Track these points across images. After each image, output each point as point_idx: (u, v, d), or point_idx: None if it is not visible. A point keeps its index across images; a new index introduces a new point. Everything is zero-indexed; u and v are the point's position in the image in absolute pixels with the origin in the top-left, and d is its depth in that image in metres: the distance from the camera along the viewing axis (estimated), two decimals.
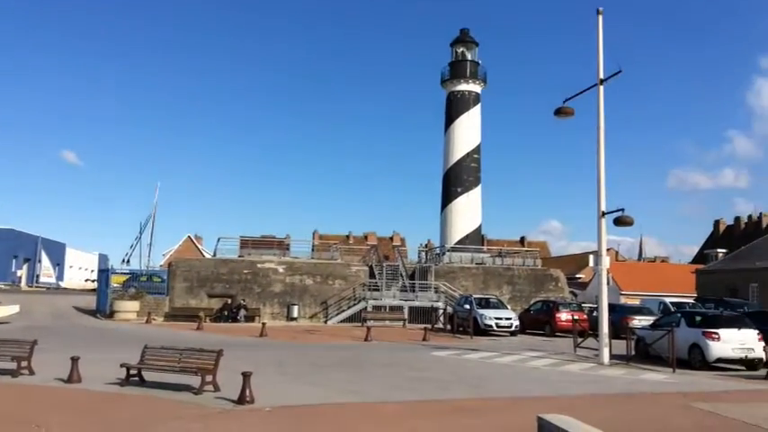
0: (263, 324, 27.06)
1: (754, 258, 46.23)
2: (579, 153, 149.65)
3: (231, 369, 12.38)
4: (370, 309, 34.93)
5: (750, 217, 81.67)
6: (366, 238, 79.23)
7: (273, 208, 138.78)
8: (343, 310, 36.01)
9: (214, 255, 40.39)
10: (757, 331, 18.14)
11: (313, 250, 44.04)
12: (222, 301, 35.56)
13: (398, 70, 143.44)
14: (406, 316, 34.92)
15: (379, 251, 44.35)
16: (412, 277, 38.98)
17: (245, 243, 39.63)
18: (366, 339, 24.55)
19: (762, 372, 16.71)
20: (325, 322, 35.53)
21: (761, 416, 10.61)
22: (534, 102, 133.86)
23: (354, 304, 36.03)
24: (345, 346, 22.76)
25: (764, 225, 74.29)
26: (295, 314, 35.65)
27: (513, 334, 29.08)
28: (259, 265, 36.97)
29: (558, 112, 20.12)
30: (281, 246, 40.74)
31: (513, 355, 20.41)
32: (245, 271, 36.62)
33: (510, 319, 29.69)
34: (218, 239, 39.98)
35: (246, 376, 11.09)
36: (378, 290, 36.43)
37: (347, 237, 79.01)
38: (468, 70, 45.21)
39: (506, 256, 43.36)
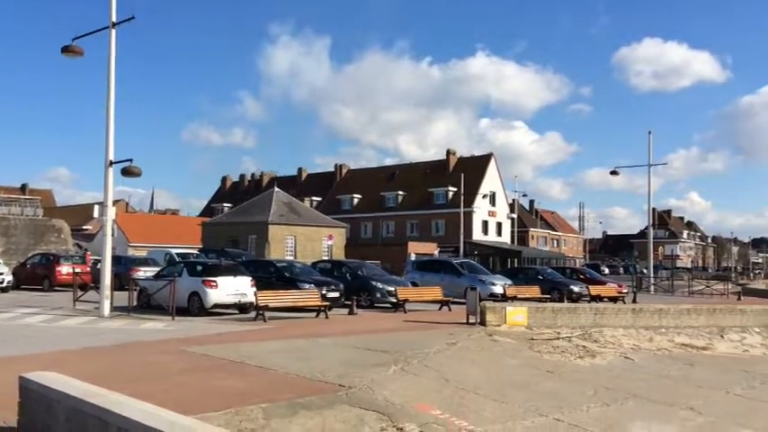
0: None
1: (253, 213, 51.56)
2: (94, 98, 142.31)
3: None
4: None
5: (253, 175, 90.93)
6: None
7: None
8: None
9: None
10: (250, 278, 20.18)
11: None
12: None
13: None
14: None
15: None
16: None
17: None
18: None
19: (252, 314, 18.61)
20: None
21: (245, 354, 11.75)
22: (45, 35, 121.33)
23: None
24: None
25: (264, 183, 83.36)
26: None
27: (4, 290, 26.25)
28: None
29: (66, 50, 18.61)
30: None
31: (2, 313, 18.31)
32: None
33: (1, 274, 26.66)
34: None
35: None
36: None
37: None
38: None
39: (2, 204, 38.64)
